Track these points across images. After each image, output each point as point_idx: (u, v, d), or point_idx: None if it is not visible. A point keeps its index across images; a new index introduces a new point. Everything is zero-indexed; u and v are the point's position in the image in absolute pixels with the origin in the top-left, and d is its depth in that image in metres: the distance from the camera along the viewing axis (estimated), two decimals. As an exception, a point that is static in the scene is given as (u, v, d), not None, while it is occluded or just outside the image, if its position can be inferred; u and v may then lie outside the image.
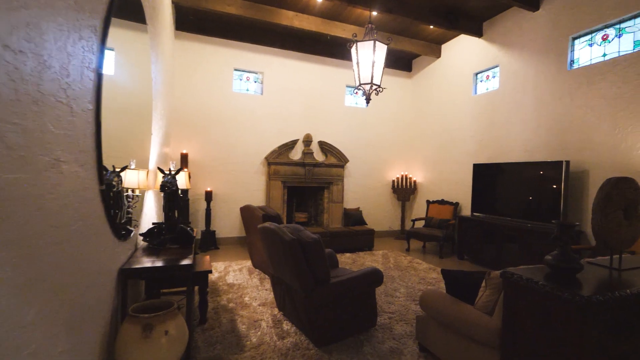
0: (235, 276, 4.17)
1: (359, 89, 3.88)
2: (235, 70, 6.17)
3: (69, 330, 1.31)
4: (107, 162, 1.94)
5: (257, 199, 6.26)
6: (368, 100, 3.91)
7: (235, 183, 6.12)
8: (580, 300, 1.37)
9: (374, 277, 2.77)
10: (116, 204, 2.14)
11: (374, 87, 3.80)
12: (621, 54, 3.87)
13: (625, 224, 1.80)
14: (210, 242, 5.63)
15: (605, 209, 1.75)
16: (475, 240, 5.14)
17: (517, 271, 1.70)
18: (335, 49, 6.61)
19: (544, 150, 4.63)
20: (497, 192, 5.13)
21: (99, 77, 1.57)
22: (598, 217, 1.76)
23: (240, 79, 6.26)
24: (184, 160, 5.54)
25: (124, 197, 2.36)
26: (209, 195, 5.66)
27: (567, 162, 4.08)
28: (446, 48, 6.51)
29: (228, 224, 6.05)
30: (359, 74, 3.80)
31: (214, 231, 5.75)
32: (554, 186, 4.18)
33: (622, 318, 1.52)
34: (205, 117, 5.90)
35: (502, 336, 1.75)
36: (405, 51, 6.57)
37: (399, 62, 7.29)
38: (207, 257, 3.27)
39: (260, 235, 2.93)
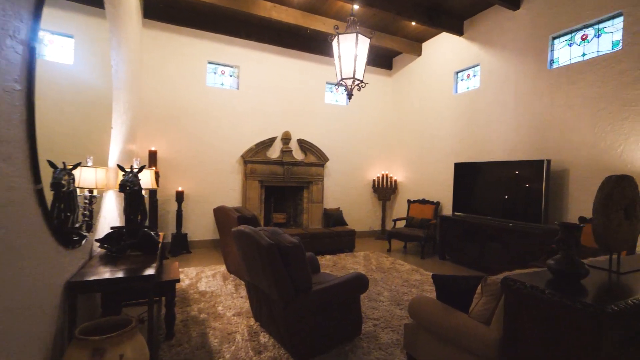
0: (208, 283, 3.87)
1: (341, 84, 3.69)
2: (210, 63, 5.83)
3: (-16, 369, 1.03)
4: (58, 159, 1.69)
5: (233, 199, 5.95)
6: (350, 95, 3.73)
7: (209, 183, 5.78)
8: (595, 311, 1.23)
9: (359, 283, 2.59)
10: (67, 206, 1.85)
11: (357, 82, 3.63)
12: (600, 54, 3.89)
13: (626, 224, 1.71)
14: (181, 245, 5.27)
15: (606, 209, 1.65)
16: (456, 240, 5.09)
17: (519, 277, 1.56)
18: (315, 44, 6.40)
19: (524, 149, 4.62)
20: (478, 191, 5.09)
21: (32, 52, 1.28)
22: (600, 218, 1.64)
23: (215, 73, 5.93)
24: (153, 157, 5.15)
25: (77, 198, 2.05)
26: (180, 196, 5.30)
27: (549, 161, 4.07)
28: (427, 46, 6.45)
29: (201, 227, 5.70)
30: (340, 68, 3.61)
31: (186, 234, 5.39)
32: (535, 185, 4.16)
33: (632, 326, 1.40)
34: (177, 112, 5.52)
35: (503, 348, 1.60)
36: (386, 48, 6.45)
37: (380, 59, 7.17)
38: (176, 264, 2.97)
39: (235, 240, 2.68)
